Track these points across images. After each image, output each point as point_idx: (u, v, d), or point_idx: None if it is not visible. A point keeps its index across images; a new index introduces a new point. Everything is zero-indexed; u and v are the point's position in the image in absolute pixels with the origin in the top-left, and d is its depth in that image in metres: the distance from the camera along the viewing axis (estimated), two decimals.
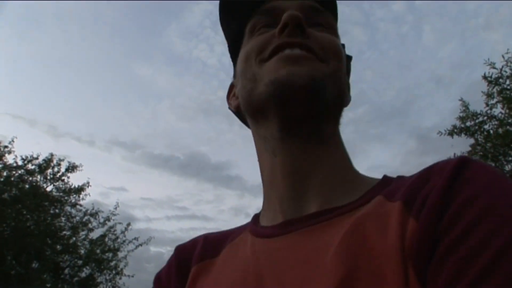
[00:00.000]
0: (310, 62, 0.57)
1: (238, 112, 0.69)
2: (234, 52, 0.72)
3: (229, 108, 0.72)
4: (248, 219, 0.67)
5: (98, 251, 13.83)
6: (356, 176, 0.62)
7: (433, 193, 0.44)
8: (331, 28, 0.65)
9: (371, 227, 0.47)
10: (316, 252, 0.49)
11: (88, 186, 14.05)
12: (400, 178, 0.56)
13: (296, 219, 0.56)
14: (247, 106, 0.63)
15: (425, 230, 0.42)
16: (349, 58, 0.70)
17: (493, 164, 8.32)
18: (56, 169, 13.87)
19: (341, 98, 0.63)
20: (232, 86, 0.73)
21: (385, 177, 0.59)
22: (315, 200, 0.56)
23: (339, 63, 0.61)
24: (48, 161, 13.64)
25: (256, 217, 0.66)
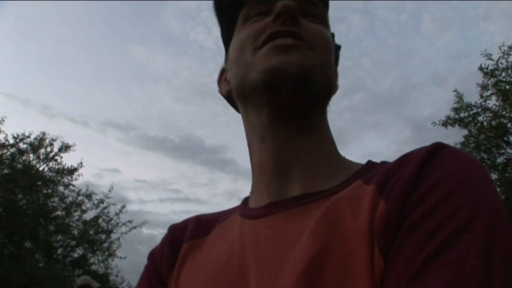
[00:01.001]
0: (301, 51, 0.59)
1: (228, 97, 0.72)
2: (226, 36, 0.73)
3: (220, 92, 0.75)
4: None
5: (91, 232, 13.89)
6: (341, 162, 0.64)
7: (403, 177, 0.47)
8: (323, 19, 0.67)
9: (346, 209, 0.50)
10: (295, 232, 0.52)
11: (81, 167, 14.03)
12: (383, 163, 0.59)
13: (280, 201, 0.59)
14: (239, 93, 0.65)
15: (392, 211, 0.45)
16: (337, 47, 0.72)
17: (485, 156, 8.40)
18: (49, 149, 13.79)
19: (329, 87, 0.65)
20: (223, 71, 0.75)
21: (369, 162, 0.62)
22: (299, 185, 0.59)
23: (328, 54, 0.64)
24: (40, 140, 13.53)
25: (245, 200, 0.69)
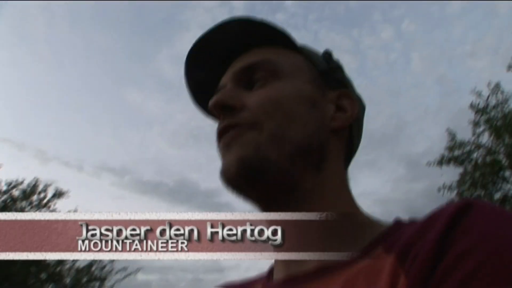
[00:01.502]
0: (238, 140, 0.56)
1: None
2: None
3: None
4: None
5: (84, 280, 13.56)
6: (360, 223, 0.58)
7: (427, 244, 0.41)
8: (271, 75, 0.60)
9: (362, 283, 0.45)
10: None
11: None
12: (411, 223, 0.52)
13: (296, 276, 0.55)
14: None
15: (414, 287, 0.39)
16: (333, 69, 0.66)
17: (482, 193, 8.35)
18: (42, 195, 13.66)
19: (303, 146, 0.57)
20: None
21: (395, 221, 0.55)
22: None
23: (282, 113, 0.57)
24: (33, 186, 13.44)
25: (271, 269, 0.64)
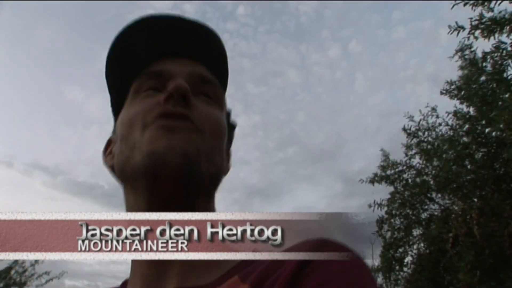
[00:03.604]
0: (188, 134, 0.57)
1: (113, 170, 0.66)
2: (115, 105, 0.70)
3: (104, 164, 0.69)
4: None
5: (1, 284, 12.68)
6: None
7: (282, 277, 0.44)
8: (217, 99, 0.65)
9: None
10: None
11: None
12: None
13: None
14: (120, 173, 0.61)
15: None
16: (233, 127, 0.72)
17: (410, 212, 8.79)
18: None
19: (217, 174, 0.61)
20: (110, 141, 0.70)
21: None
22: (174, 279, 0.55)
23: (218, 139, 0.62)
24: None
25: (125, 283, 0.64)
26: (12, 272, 13.14)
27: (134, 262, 0.61)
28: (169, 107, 0.58)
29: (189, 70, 0.63)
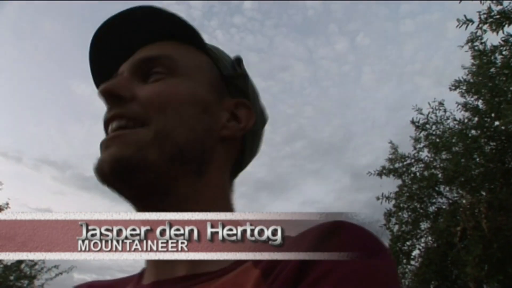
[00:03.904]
0: (122, 139, 0.54)
1: None
2: None
3: None
4: None
5: (12, 277, 12.83)
6: None
7: (291, 263, 0.43)
8: (171, 70, 0.59)
9: None
10: None
11: (6, 207, 13.06)
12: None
13: (164, 281, 0.55)
14: None
15: None
16: (237, 75, 0.65)
17: (418, 205, 8.75)
18: None
19: (183, 148, 0.55)
20: None
21: None
22: (186, 266, 0.54)
23: (172, 113, 0.56)
24: None
25: (143, 271, 0.63)
26: (23, 265, 13.30)
27: None
28: (106, 115, 0.58)
29: (132, 61, 0.61)
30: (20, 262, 13.15)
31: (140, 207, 0.57)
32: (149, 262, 0.59)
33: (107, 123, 0.57)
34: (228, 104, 0.62)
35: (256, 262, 0.49)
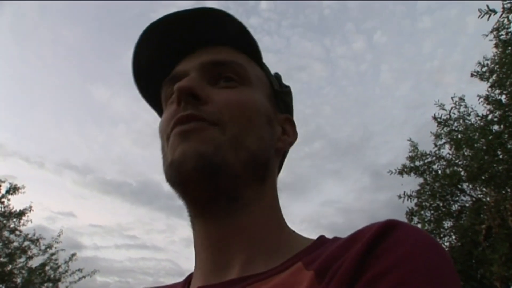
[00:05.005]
0: (200, 134, 0.55)
1: None
2: (159, 113, 0.71)
3: None
4: None
5: (36, 280, 13.03)
6: (286, 238, 0.59)
7: (347, 262, 0.42)
8: (240, 77, 0.61)
9: None
10: None
11: (30, 211, 13.29)
12: (335, 240, 0.53)
13: (214, 285, 0.55)
14: (166, 181, 0.60)
15: None
16: (284, 92, 0.69)
17: (440, 204, 8.59)
18: None
19: (255, 157, 0.58)
20: None
21: (319, 239, 0.57)
22: (237, 267, 0.55)
23: (244, 122, 0.58)
24: None
25: (189, 277, 0.65)
26: (47, 268, 13.51)
27: (196, 257, 0.61)
28: (181, 112, 0.57)
29: (200, 61, 0.61)
30: (43, 265, 13.37)
31: (202, 212, 0.57)
32: (198, 269, 0.60)
33: (179, 120, 0.56)
34: (280, 119, 0.66)
35: (307, 264, 0.48)
